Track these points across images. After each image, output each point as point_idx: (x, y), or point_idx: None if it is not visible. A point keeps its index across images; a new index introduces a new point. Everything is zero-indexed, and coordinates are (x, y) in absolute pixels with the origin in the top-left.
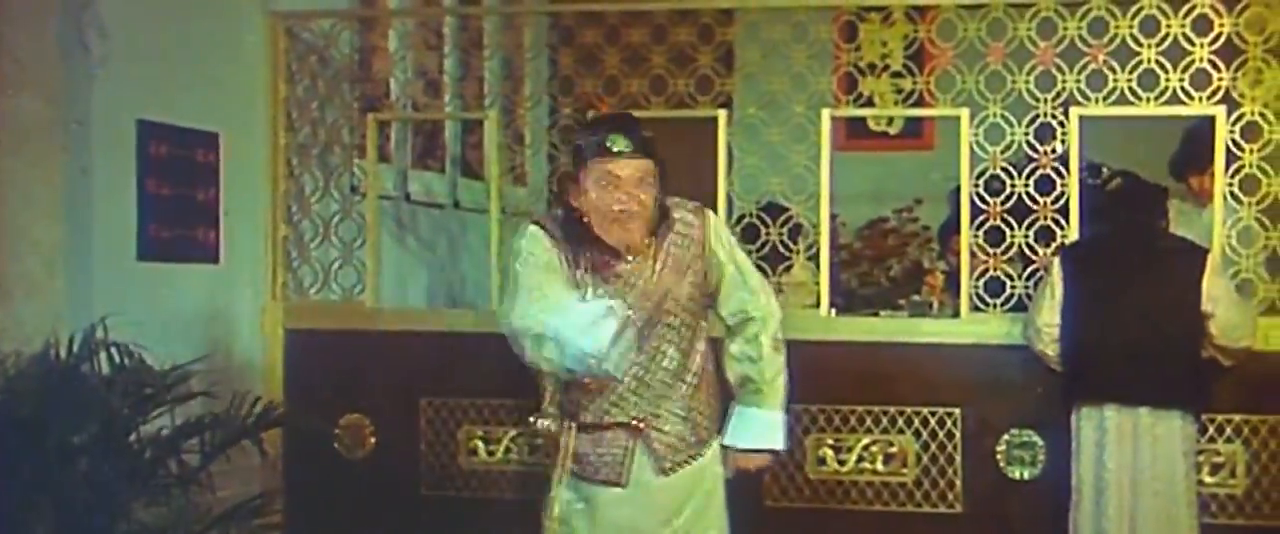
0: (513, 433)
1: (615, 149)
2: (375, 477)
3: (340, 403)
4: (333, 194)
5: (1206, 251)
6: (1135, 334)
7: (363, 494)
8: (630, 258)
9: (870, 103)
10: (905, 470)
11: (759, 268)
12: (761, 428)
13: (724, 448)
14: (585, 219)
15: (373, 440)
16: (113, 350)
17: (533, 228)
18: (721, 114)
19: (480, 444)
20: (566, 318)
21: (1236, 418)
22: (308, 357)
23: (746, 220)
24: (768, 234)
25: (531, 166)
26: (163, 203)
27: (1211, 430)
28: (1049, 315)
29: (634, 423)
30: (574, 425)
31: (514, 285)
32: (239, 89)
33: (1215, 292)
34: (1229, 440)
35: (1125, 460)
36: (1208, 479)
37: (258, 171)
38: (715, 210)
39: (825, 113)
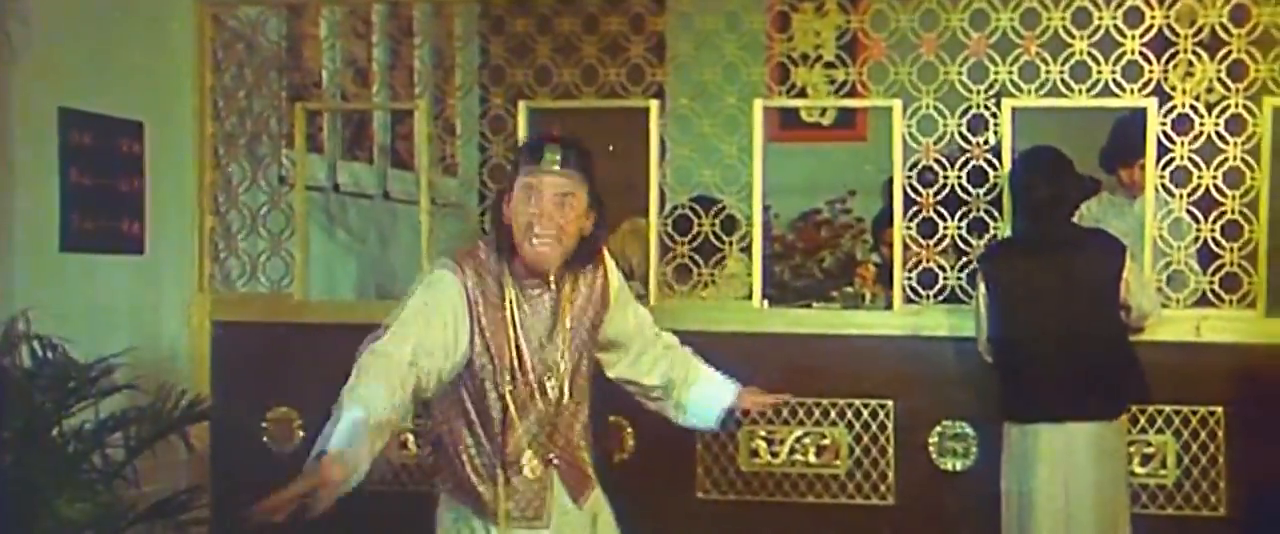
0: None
1: (543, 161)
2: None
3: (268, 396)
4: (260, 185)
5: (1123, 245)
6: (1060, 339)
7: None
8: (551, 285)
9: (803, 93)
10: (838, 462)
11: (691, 261)
12: (718, 377)
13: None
14: (510, 230)
15: (302, 434)
16: (35, 343)
17: (440, 270)
18: (653, 105)
19: (409, 437)
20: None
21: (1166, 409)
22: (235, 349)
23: (679, 212)
24: (700, 226)
25: (462, 157)
26: (86, 193)
27: (1142, 421)
28: (982, 334)
29: (549, 458)
30: (499, 470)
31: (396, 317)
32: (164, 77)
33: (1135, 284)
34: (1159, 432)
35: (1058, 473)
36: (1138, 470)
37: (184, 162)
38: (647, 202)
39: (758, 103)
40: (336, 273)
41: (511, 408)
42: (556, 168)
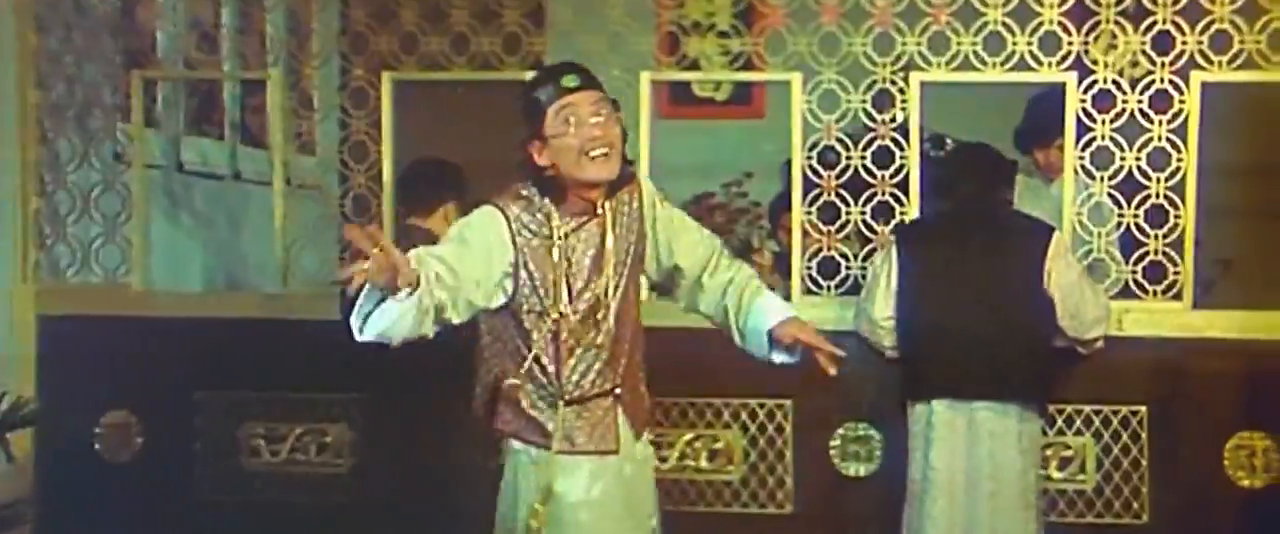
0: (299, 430)
1: (571, 85)
2: (143, 481)
3: (102, 399)
4: (93, 162)
5: (1053, 230)
6: (972, 322)
7: (128, 501)
8: (597, 210)
9: (695, 66)
10: (731, 468)
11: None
12: (774, 301)
13: (771, 335)
14: (553, 172)
15: (140, 440)
16: None
17: (485, 208)
18: (530, 76)
19: (262, 443)
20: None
21: (1086, 409)
22: (64, 346)
23: None
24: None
25: (320, 133)
26: None
27: (1059, 422)
28: (883, 306)
29: (613, 390)
30: (560, 402)
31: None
32: None
33: (1060, 275)
34: (1078, 433)
35: (957, 460)
36: (1056, 475)
37: (4, 135)
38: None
39: (645, 76)
40: (180, 261)
41: (566, 339)
42: (583, 86)
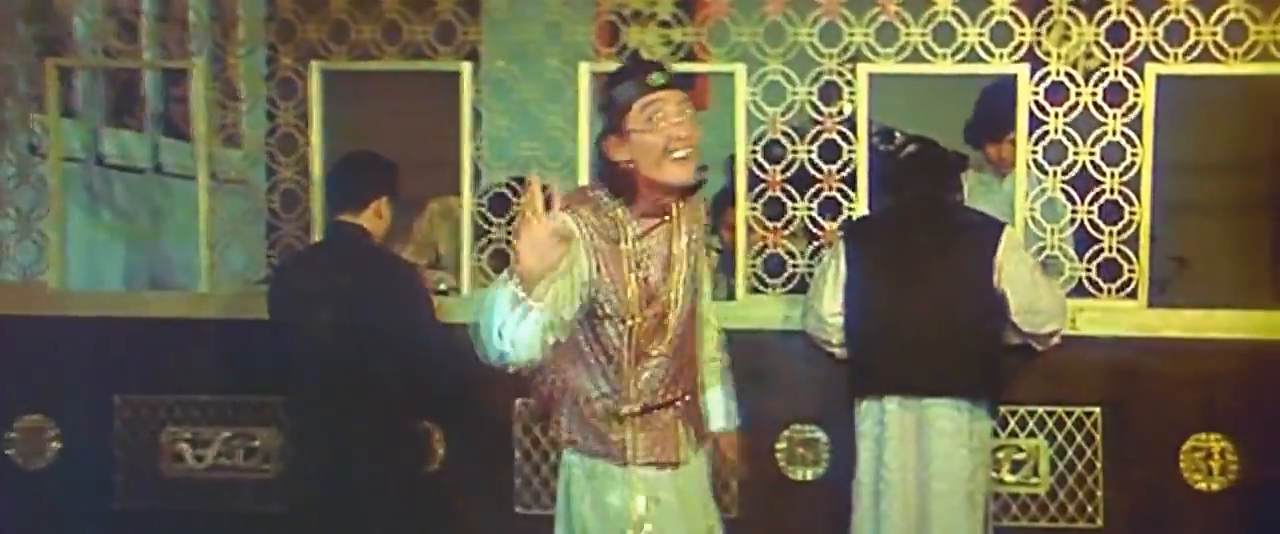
0: (226, 435)
1: (658, 82)
2: (59, 488)
3: (16, 402)
4: (6, 155)
5: (1003, 225)
6: (922, 318)
7: (43, 509)
8: (667, 215)
9: (636, 56)
10: None
11: (510, 246)
12: (721, 407)
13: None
14: (629, 169)
15: (56, 446)
16: None
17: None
18: (465, 67)
19: (186, 448)
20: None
21: (1039, 410)
22: None
23: (495, 190)
24: (519, 207)
25: (247, 125)
26: None
27: (1012, 424)
28: (831, 302)
29: (677, 401)
30: (626, 412)
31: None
32: None
33: (1012, 270)
34: (1031, 435)
35: (908, 459)
36: (1008, 478)
37: None
38: (458, 179)
39: (584, 67)
40: (100, 258)
41: (637, 345)
42: (668, 85)
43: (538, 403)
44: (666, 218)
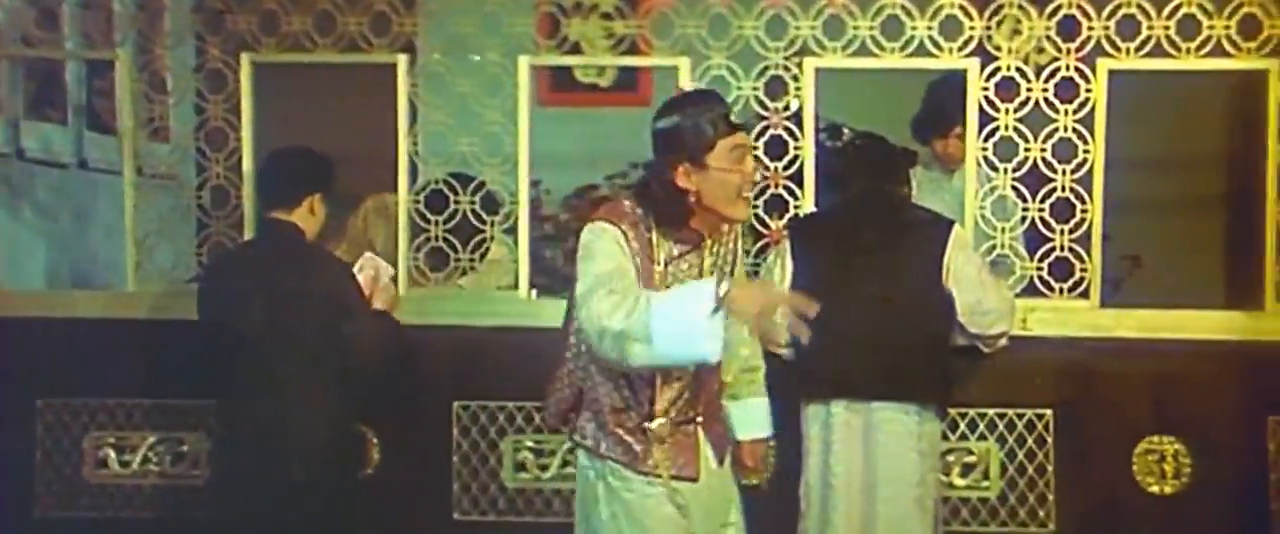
0: (152, 439)
1: (739, 122)
2: None
3: None
4: None
5: (952, 224)
6: (869, 319)
7: None
8: (710, 247)
9: (577, 50)
10: None
11: (448, 244)
12: (767, 414)
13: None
14: (691, 200)
15: None
16: None
17: (602, 225)
18: (401, 60)
19: (111, 453)
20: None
21: (989, 412)
22: None
23: (432, 188)
24: (457, 204)
25: (175, 119)
26: None
27: (962, 427)
28: None
29: (697, 418)
30: (650, 426)
31: (593, 284)
32: None
33: (959, 269)
34: (981, 438)
35: (855, 463)
36: (958, 482)
37: None
38: (394, 176)
39: (523, 61)
40: (22, 257)
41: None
42: (741, 125)
43: (556, 407)
44: (700, 245)
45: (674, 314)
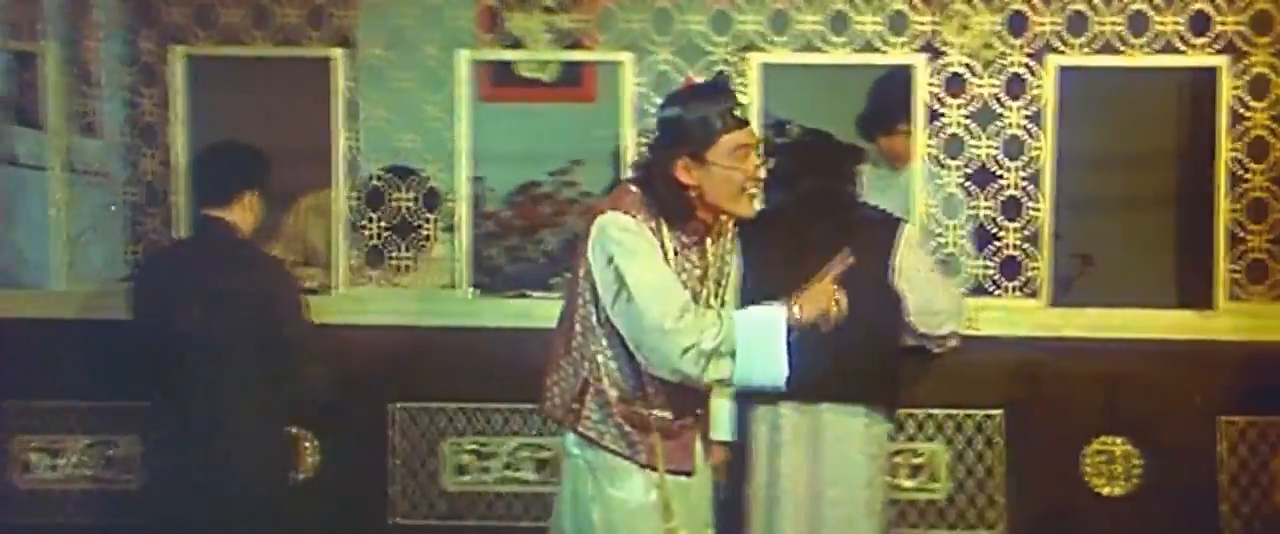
0: (84, 443)
1: (744, 118)
2: None
3: None
4: None
5: (901, 222)
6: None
7: None
8: (713, 238)
9: (518, 44)
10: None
11: (387, 242)
12: (727, 418)
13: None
14: (693, 194)
15: None
16: None
17: (627, 219)
18: (339, 54)
19: (39, 458)
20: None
21: (937, 413)
22: None
23: (371, 184)
24: (397, 201)
25: (106, 113)
26: None
27: (910, 428)
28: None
29: (697, 411)
30: (651, 420)
31: (655, 289)
32: None
33: (909, 268)
34: (929, 439)
35: (803, 465)
36: (906, 484)
37: None
38: (332, 172)
39: (464, 55)
40: None
41: None
42: (746, 119)
43: (561, 398)
44: (703, 238)
45: (756, 336)
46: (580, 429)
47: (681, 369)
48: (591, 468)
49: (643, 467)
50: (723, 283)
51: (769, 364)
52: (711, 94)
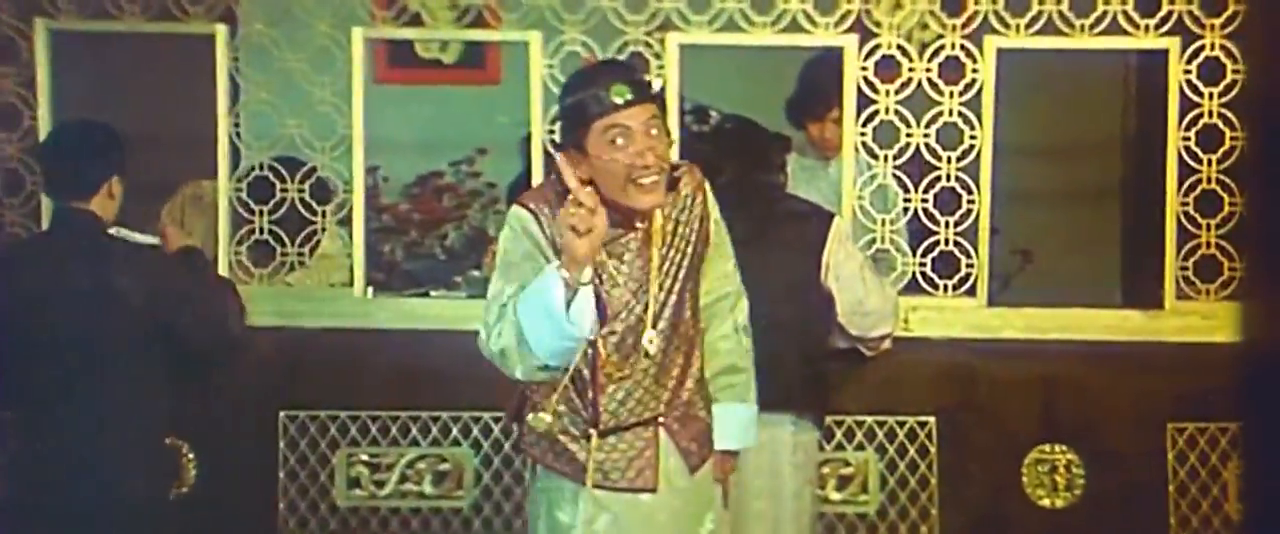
0: None
1: (620, 100)
2: None
3: None
4: None
5: (832, 216)
6: None
7: None
8: (640, 225)
9: (417, 21)
10: (461, 492)
11: (274, 237)
12: (745, 424)
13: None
14: (589, 185)
15: None
16: None
17: (516, 211)
18: (221, 30)
19: None
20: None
21: (867, 420)
22: None
23: (256, 174)
24: (284, 192)
25: None
26: None
27: (838, 436)
28: None
29: (658, 420)
30: (593, 431)
31: (489, 297)
32: None
33: (840, 265)
34: (859, 448)
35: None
36: (834, 495)
37: None
38: (213, 160)
39: (358, 33)
40: None
41: (602, 362)
42: (634, 99)
43: (508, 411)
44: (638, 227)
45: (533, 300)
46: (524, 446)
47: (487, 351)
48: (543, 491)
49: (582, 486)
50: (687, 282)
51: (560, 329)
52: (592, 74)
